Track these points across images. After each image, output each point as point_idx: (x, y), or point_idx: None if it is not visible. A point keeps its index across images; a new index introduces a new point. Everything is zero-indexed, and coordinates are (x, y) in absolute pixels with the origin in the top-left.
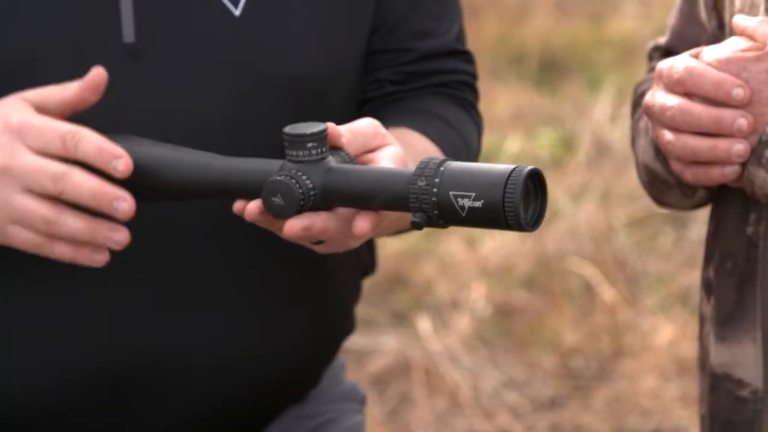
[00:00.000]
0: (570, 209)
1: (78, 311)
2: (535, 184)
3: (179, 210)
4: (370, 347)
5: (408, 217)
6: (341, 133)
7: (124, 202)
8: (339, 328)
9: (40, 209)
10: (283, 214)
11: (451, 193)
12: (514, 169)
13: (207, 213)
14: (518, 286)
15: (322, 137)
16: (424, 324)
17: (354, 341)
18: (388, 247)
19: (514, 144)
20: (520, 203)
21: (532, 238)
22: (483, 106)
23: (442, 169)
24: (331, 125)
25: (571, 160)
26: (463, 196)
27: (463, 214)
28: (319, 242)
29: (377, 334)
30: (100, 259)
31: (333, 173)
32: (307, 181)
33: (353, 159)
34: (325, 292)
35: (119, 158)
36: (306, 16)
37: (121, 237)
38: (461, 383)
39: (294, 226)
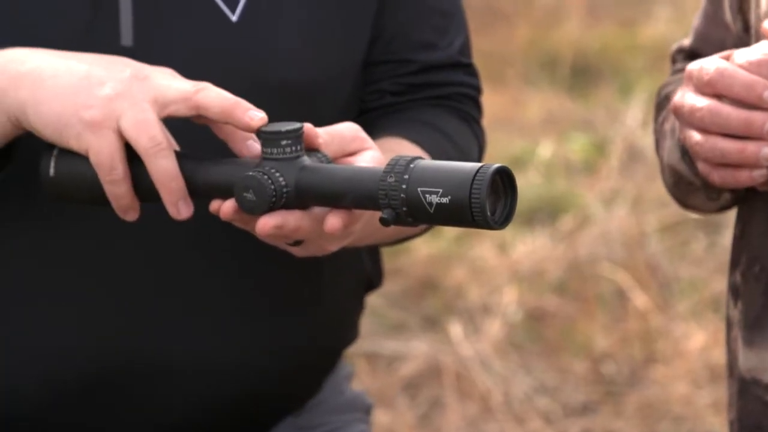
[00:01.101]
0: (602, 214)
1: (69, 312)
2: (504, 182)
3: (169, 216)
4: (402, 352)
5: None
6: (318, 134)
7: (259, 114)
8: (338, 338)
9: (157, 129)
10: (255, 210)
11: (419, 189)
12: (482, 166)
13: (200, 218)
14: (550, 291)
15: (297, 135)
16: (455, 329)
17: (385, 346)
18: (420, 252)
19: (546, 149)
20: (487, 200)
21: (563, 243)
22: (514, 111)
23: (411, 166)
24: (308, 125)
25: (603, 165)
26: (430, 192)
27: (431, 211)
28: (296, 243)
29: (408, 338)
30: (186, 213)
31: (306, 171)
32: (280, 179)
33: (330, 160)
34: (322, 301)
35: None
36: (303, 24)
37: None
38: (492, 388)
39: (267, 224)
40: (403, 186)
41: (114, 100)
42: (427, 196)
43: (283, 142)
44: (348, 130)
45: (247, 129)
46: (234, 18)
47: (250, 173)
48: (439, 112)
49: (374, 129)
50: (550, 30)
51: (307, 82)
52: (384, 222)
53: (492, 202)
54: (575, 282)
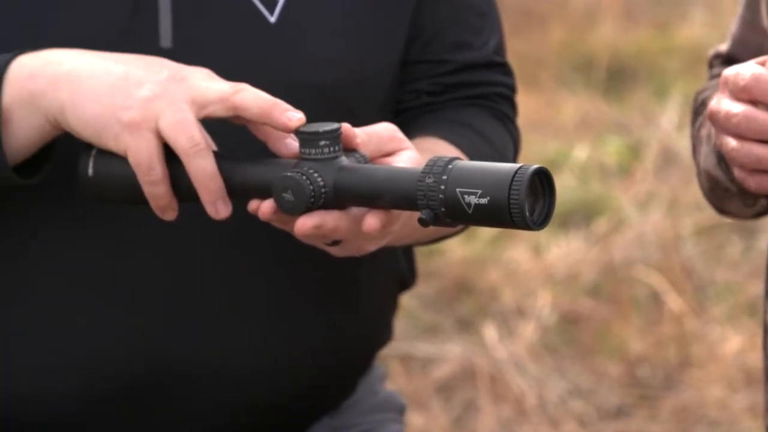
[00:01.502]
0: (637, 217)
1: (103, 318)
2: (543, 183)
3: (208, 215)
4: (436, 354)
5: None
6: (356, 134)
7: (298, 114)
8: (373, 339)
9: (194, 129)
10: (294, 211)
11: (457, 190)
12: (521, 167)
13: (238, 218)
14: (584, 294)
15: (335, 136)
16: (489, 331)
17: (419, 348)
18: (454, 254)
19: (581, 151)
20: (526, 200)
21: (598, 246)
22: (549, 113)
23: (450, 166)
24: (345, 125)
25: (638, 168)
26: (469, 193)
27: (470, 211)
28: (334, 243)
29: (443, 341)
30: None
31: (344, 171)
32: (318, 179)
33: (368, 160)
34: (358, 302)
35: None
36: (341, 24)
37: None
38: (527, 391)
39: (305, 224)
40: (442, 187)
41: (152, 100)
42: (466, 196)
43: (322, 143)
44: (385, 130)
45: (286, 130)
46: (272, 19)
47: (289, 173)
48: (475, 112)
49: (411, 129)
50: (586, 32)
51: (346, 82)
52: (423, 222)
53: (531, 203)
54: (610, 285)
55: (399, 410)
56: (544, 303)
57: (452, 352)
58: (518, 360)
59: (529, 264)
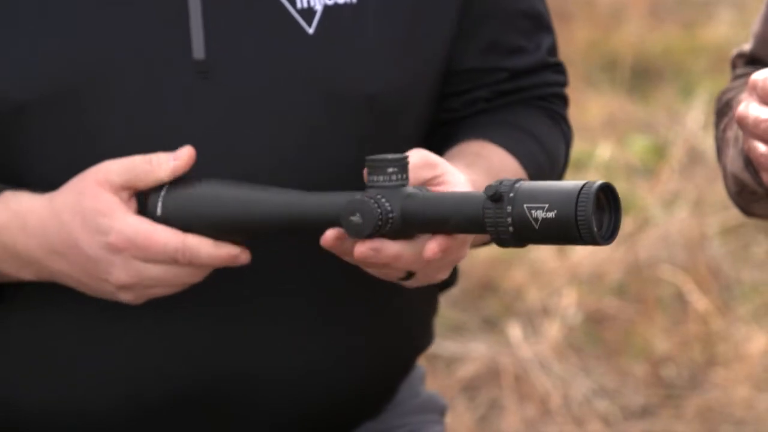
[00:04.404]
0: (662, 217)
1: (149, 331)
2: (608, 198)
3: None
4: (461, 353)
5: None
6: None
7: (244, 255)
8: (416, 342)
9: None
10: (360, 234)
11: (525, 205)
12: (586, 183)
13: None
14: (609, 293)
15: (403, 164)
16: (514, 330)
17: (444, 347)
18: (480, 254)
19: (605, 151)
20: (593, 214)
21: (623, 245)
22: (574, 113)
23: (517, 185)
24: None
25: (663, 167)
26: (536, 208)
27: (537, 227)
28: (409, 277)
29: (468, 340)
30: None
31: (411, 198)
32: (386, 204)
33: (429, 191)
34: (401, 306)
35: (238, 257)
36: (378, 34)
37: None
38: (551, 390)
39: (363, 246)
40: (509, 206)
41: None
42: (533, 211)
43: (390, 170)
44: (417, 158)
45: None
46: (310, 30)
47: (358, 197)
48: (530, 113)
49: (459, 131)
50: (611, 31)
51: (384, 93)
52: (498, 243)
53: (597, 218)
54: (635, 284)
55: (440, 411)
56: (569, 302)
57: (477, 351)
58: (543, 359)
59: (554, 263)
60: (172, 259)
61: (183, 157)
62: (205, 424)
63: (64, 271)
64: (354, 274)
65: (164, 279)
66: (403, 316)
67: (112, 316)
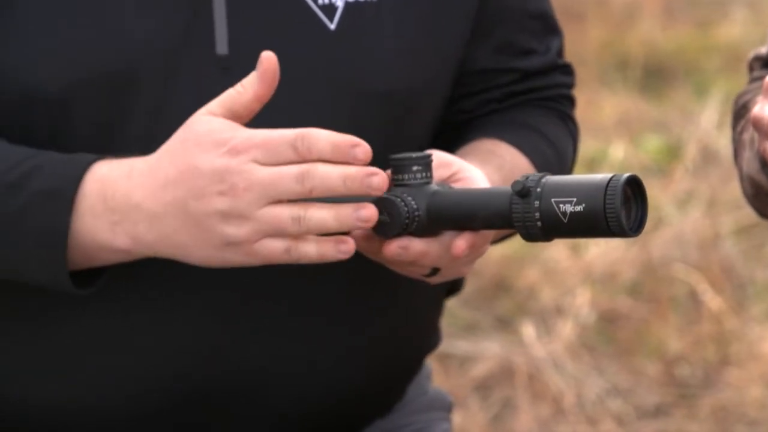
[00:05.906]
0: (676, 216)
1: (155, 331)
2: (634, 191)
3: None
4: (474, 352)
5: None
6: None
7: (376, 176)
8: (420, 343)
9: (288, 211)
10: (388, 233)
11: (553, 200)
12: (614, 175)
13: None
14: (623, 293)
15: (427, 162)
16: (527, 330)
17: (457, 346)
18: (492, 253)
19: (618, 150)
20: (622, 207)
21: (637, 245)
22: (587, 112)
23: (543, 180)
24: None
25: (676, 167)
26: (564, 202)
27: (565, 221)
28: (433, 273)
29: (481, 339)
30: (346, 249)
31: (436, 196)
32: (413, 202)
33: (453, 188)
34: (404, 307)
35: (357, 146)
36: (399, 31)
37: (368, 213)
38: (565, 390)
39: (392, 244)
40: (536, 201)
41: (241, 236)
42: (561, 205)
43: (414, 168)
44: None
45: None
46: (332, 26)
47: (384, 196)
48: (540, 113)
49: (470, 130)
50: (625, 31)
51: (403, 90)
52: (525, 237)
53: (625, 210)
54: (649, 284)
55: (447, 408)
56: (582, 302)
57: (490, 350)
58: (556, 359)
59: (568, 262)
60: (292, 148)
61: (267, 69)
62: (207, 424)
63: (169, 211)
64: (357, 275)
65: (278, 183)
66: (407, 317)
67: (116, 316)
